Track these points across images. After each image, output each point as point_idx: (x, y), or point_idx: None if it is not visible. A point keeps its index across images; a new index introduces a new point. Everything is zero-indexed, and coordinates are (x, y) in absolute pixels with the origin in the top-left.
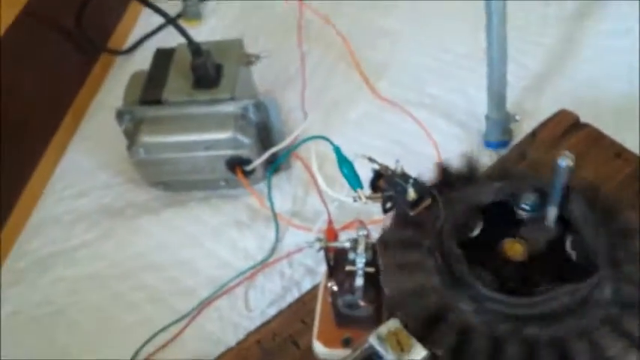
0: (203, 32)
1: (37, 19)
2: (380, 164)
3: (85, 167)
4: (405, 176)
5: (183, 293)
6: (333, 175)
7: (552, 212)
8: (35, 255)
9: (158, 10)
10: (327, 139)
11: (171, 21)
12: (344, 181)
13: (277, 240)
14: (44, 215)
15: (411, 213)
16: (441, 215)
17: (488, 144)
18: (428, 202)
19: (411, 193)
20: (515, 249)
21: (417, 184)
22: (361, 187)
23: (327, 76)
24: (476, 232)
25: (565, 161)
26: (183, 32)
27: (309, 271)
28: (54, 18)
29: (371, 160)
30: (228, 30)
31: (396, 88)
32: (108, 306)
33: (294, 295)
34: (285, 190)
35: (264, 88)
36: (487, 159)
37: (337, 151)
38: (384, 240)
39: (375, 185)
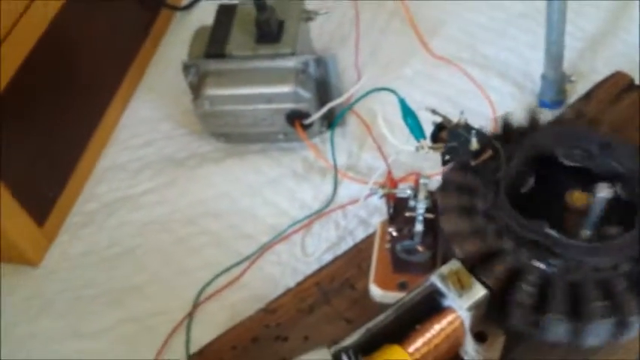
0: None
1: None
2: (443, 116)
3: (148, 118)
4: (468, 127)
5: (243, 238)
6: (388, 132)
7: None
8: (103, 199)
9: None
10: (393, 91)
11: None
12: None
13: (335, 191)
14: (110, 162)
15: (473, 163)
16: (502, 167)
17: (543, 103)
18: (489, 153)
19: (474, 143)
20: (578, 198)
21: (480, 135)
22: (424, 137)
23: (381, 33)
24: (531, 183)
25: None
26: None
27: (362, 222)
28: None
29: (434, 112)
30: None
31: (450, 46)
32: (172, 249)
33: (348, 243)
34: (340, 145)
35: (320, 45)
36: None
37: (402, 102)
38: (445, 181)
39: (436, 137)
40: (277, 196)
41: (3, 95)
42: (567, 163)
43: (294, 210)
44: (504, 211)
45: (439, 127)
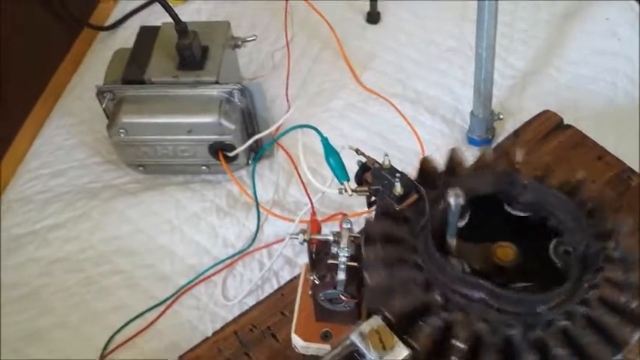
0: (187, 12)
1: None
2: (367, 157)
3: (61, 145)
4: (392, 170)
5: (159, 279)
6: (316, 165)
7: (452, 242)
8: (7, 234)
9: None
10: (316, 129)
11: None
12: (327, 172)
13: (258, 229)
14: (17, 194)
15: (398, 208)
16: (427, 211)
17: (471, 141)
18: (414, 197)
19: (398, 188)
20: (505, 253)
21: (405, 179)
22: (348, 179)
23: (313, 63)
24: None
25: (455, 200)
26: (170, 11)
27: (288, 262)
28: None
29: (358, 152)
30: (211, 12)
31: (381, 80)
32: (81, 290)
33: (273, 285)
34: (266, 179)
35: (248, 73)
36: (470, 156)
37: (325, 141)
38: (368, 232)
39: (360, 178)
40: (198, 233)
41: None
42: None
43: (216, 248)
44: (432, 260)
45: (363, 168)
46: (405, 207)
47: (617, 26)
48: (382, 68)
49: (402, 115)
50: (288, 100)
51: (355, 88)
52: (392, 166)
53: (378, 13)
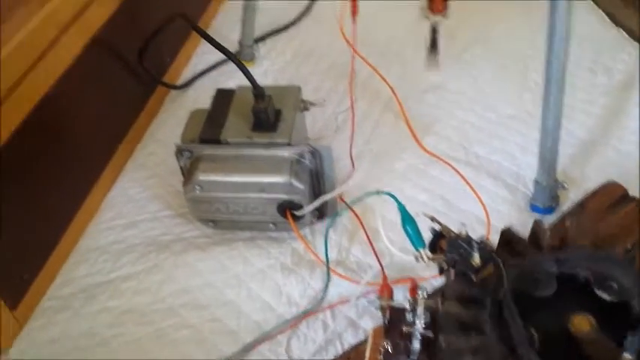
0: (255, 74)
1: (105, 48)
2: (442, 225)
3: (134, 198)
4: (469, 240)
5: (226, 334)
6: (377, 227)
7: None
8: (81, 283)
9: (224, 51)
10: (392, 196)
11: (238, 63)
12: (390, 234)
13: (326, 290)
14: (92, 243)
15: (475, 279)
16: (505, 283)
17: (534, 208)
18: (491, 269)
19: (477, 259)
20: (582, 324)
21: (482, 250)
22: (424, 246)
23: (375, 125)
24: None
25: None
26: (249, 76)
27: (351, 324)
28: (119, 49)
29: (433, 220)
30: (279, 73)
31: (443, 144)
32: (151, 342)
33: (336, 347)
34: (329, 237)
35: (312, 133)
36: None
37: (402, 208)
38: (444, 297)
39: (435, 245)
40: (264, 289)
41: None
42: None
43: (280, 306)
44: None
45: (438, 236)
46: (482, 278)
47: None
48: (443, 132)
49: (465, 179)
50: (352, 161)
51: (417, 150)
52: (468, 236)
53: (439, 79)
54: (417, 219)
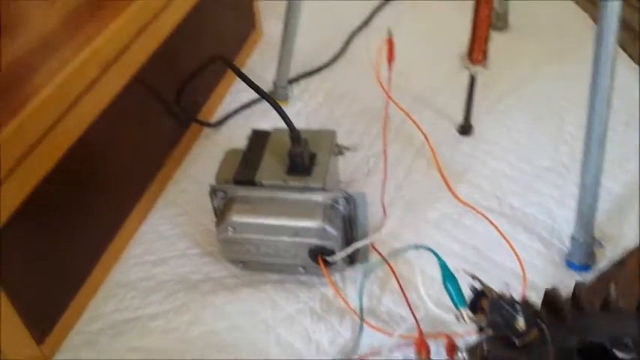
0: (288, 114)
1: (143, 86)
2: (484, 285)
3: (164, 235)
4: (512, 302)
5: None
6: (414, 280)
7: None
8: (109, 319)
9: (262, 93)
10: (433, 251)
11: (276, 107)
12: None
13: (359, 343)
14: (121, 279)
15: (518, 344)
16: (550, 349)
17: (570, 264)
18: (536, 333)
19: (521, 323)
20: None
21: (527, 313)
22: (465, 305)
23: (407, 171)
24: None
25: None
26: (286, 120)
27: None
28: (156, 88)
29: (474, 278)
30: (311, 115)
31: (476, 193)
32: None
33: None
34: (358, 283)
35: (343, 176)
36: (570, 280)
37: (443, 265)
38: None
39: (475, 305)
40: (292, 335)
41: (24, 202)
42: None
43: (309, 354)
44: None
45: (479, 295)
46: (525, 343)
47: None
48: (476, 181)
49: (500, 232)
50: (384, 208)
51: (449, 199)
52: (512, 297)
53: (471, 126)
54: (456, 274)
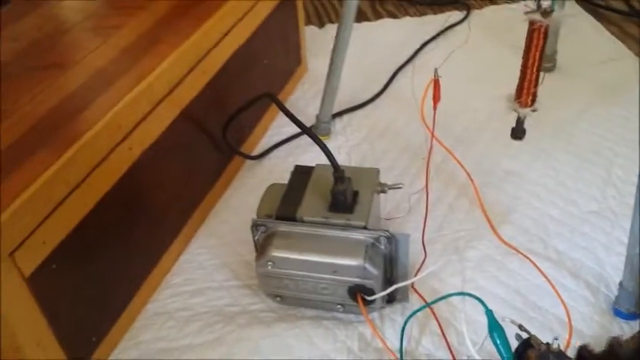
0: (329, 148)
1: (190, 121)
2: (531, 335)
3: (203, 265)
4: (561, 355)
5: None
6: (450, 316)
7: None
8: (145, 348)
9: (308, 132)
10: (480, 300)
11: (322, 146)
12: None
13: None
14: (160, 308)
15: None
16: None
17: (617, 313)
18: None
19: None
20: None
21: None
22: (511, 356)
23: (448, 210)
24: None
25: None
26: (332, 159)
27: None
28: (203, 122)
29: (521, 328)
30: (353, 150)
31: (520, 235)
32: None
33: None
34: (397, 324)
35: (383, 212)
36: (617, 329)
37: (489, 314)
38: None
39: (522, 355)
40: None
41: (70, 234)
42: None
43: None
44: None
45: (525, 345)
46: None
47: None
48: (521, 223)
49: (546, 277)
50: (424, 247)
51: (492, 240)
52: (560, 350)
53: (517, 167)
54: (500, 321)
